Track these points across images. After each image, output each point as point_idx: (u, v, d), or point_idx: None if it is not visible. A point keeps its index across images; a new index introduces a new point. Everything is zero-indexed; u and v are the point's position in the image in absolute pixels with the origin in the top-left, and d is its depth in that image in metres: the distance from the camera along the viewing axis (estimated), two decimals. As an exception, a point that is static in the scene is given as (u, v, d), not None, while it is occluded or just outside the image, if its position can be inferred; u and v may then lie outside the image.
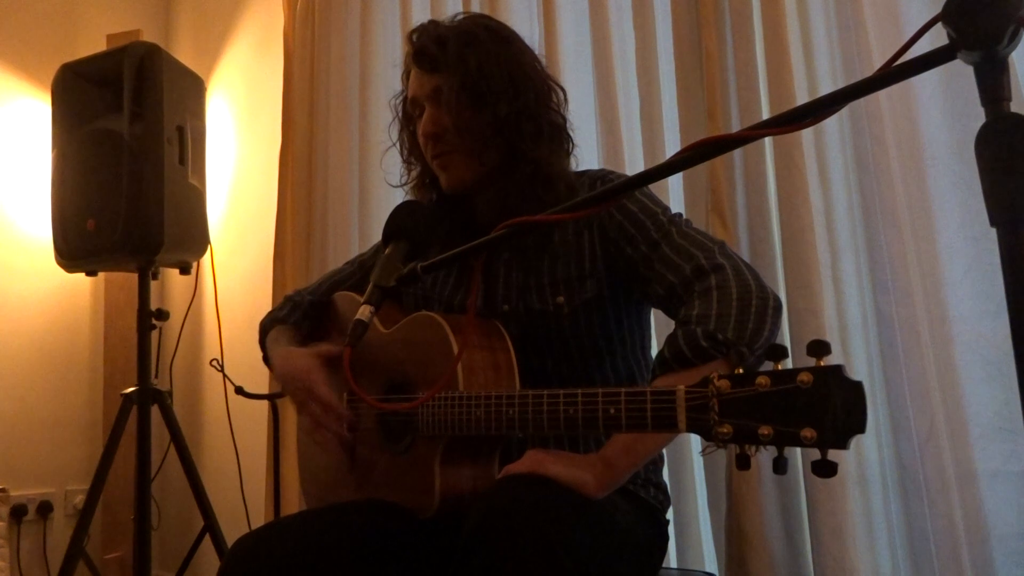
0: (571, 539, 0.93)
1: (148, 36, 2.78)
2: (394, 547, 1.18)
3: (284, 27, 2.68)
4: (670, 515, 1.36)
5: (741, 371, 0.82)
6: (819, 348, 0.76)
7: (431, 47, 1.25)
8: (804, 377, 0.76)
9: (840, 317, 1.57)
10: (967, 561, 1.38)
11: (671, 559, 1.70)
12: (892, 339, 1.50)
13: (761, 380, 0.79)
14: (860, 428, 0.75)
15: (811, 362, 0.78)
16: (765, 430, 0.78)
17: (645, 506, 1.26)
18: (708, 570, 1.68)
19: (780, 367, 0.80)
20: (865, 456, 1.53)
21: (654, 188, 1.34)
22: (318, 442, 1.29)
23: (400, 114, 1.39)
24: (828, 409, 0.75)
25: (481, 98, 1.22)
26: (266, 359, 1.56)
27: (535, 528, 0.92)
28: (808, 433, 0.75)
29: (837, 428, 0.74)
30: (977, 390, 1.43)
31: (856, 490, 1.51)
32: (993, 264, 1.41)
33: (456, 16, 1.32)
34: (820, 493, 1.49)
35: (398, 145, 1.40)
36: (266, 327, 1.52)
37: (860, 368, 1.55)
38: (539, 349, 1.26)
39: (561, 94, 1.33)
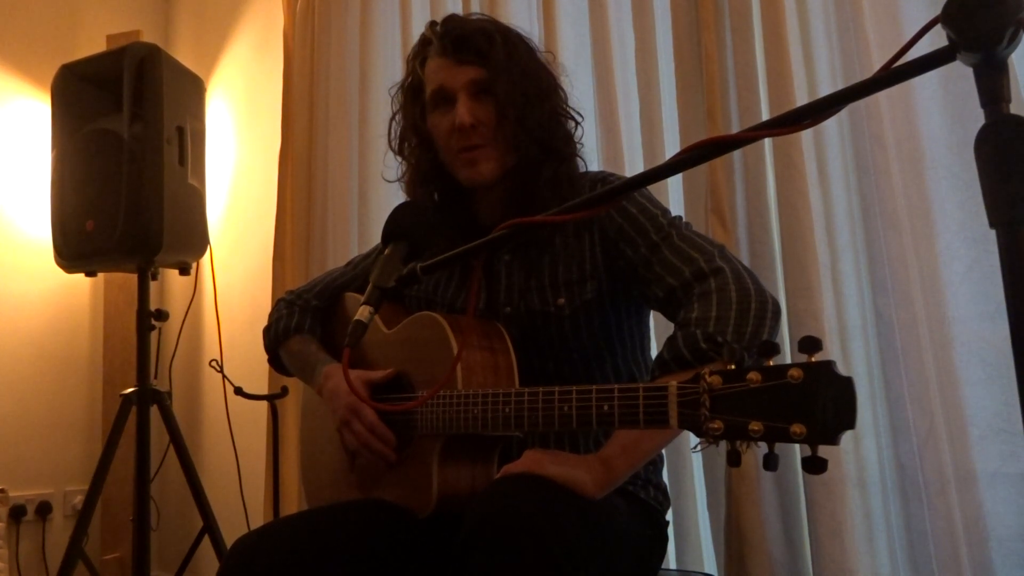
0: (568, 539, 0.93)
1: (148, 37, 2.78)
2: (393, 547, 1.18)
3: (284, 28, 2.68)
4: (669, 516, 1.37)
5: (733, 367, 0.82)
6: (810, 344, 0.76)
7: (477, 38, 1.24)
8: (794, 373, 0.76)
9: (839, 318, 1.57)
10: (966, 562, 1.38)
11: (671, 560, 1.70)
12: (891, 340, 1.50)
13: (752, 376, 0.79)
14: (850, 424, 0.74)
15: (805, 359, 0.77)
16: (755, 426, 0.77)
17: (645, 507, 1.26)
18: (707, 571, 1.68)
19: (772, 363, 0.80)
20: (864, 457, 1.53)
21: (653, 189, 1.34)
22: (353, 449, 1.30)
23: (402, 105, 1.37)
24: (817, 405, 0.75)
25: (529, 95, 1.24)
26: (280, 367, 1.56)
27: (532, 528, 0.93)
28: (798, 429, 0.75)
29: (827, 424, 0.74)
30: (976, 391, 1.43)
31: (855, 491, 1.51)
32: (992, 265, 1.41)
33: (472, 15, 1.33)
34: (819, 494, 1.49)
35: (398, 139, 1.38)
36: (280, 337, 1.51)
37: (859, 369, 1.55)
38: (540, 350, 1.26)
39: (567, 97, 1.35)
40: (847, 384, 0.75)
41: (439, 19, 1.31)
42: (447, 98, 1.26)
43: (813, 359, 0.76)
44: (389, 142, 1.39)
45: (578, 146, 1.33)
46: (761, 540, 1.55)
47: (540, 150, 1.25)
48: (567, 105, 1.33)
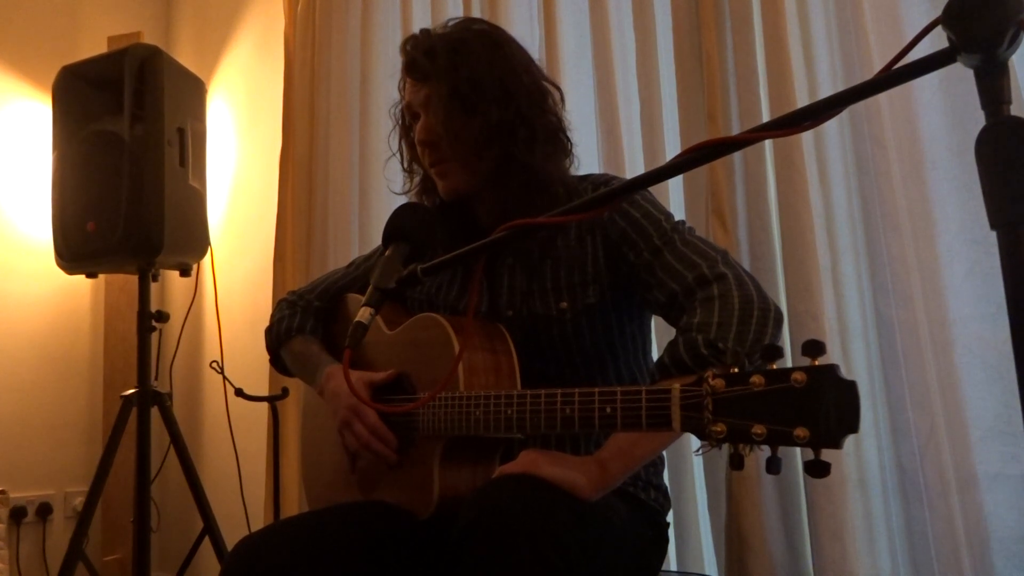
0: (561, 538, 0.93)
1: (149, 38, 2.78)
2: (394, 548, 1.18)
3: (285, 29, 2.68)
4: (670, 517, 1.36)
5: (736, 370, 0.82)
6: (814, 348, 0.76)
7: (420, 58, 1.25)
8: (798, 376, 0.76)
9: (840, 320, 1.57)
10: (967, 564, 1.38)
11: (671, 561, 1.69)
12: (892, 342, 1.50)
13: (755, 379, 0.79)
14: (853, 427, 0.74)
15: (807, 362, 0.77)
16: (758, 429, 0.77)
17: (645, 508, 1.26)
18: (708, 573, 1.68)
19: (775, 367, 0.79)
20: (865, 459, 1.53)
21: (654, 191, 1.34)
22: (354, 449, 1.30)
23: (399, 123, 1.39)
24: (821, 408, 0.74)
25: (471, 106, 1.22)
26: (282, 367, 1.57)
27: (525, 527, 0.93)
28: (801, 432, 0.75)
29: (830, 427, 0.74)
30: (977, 393, 1.43)
31: (856, 493, 1.51)
32: (993, 267, 1.41)
33: (449, 22, 1.31)
34: (820, 496, 1.49)
35: (399, 154, 1.40)
36: (282, 337, 1.52)
37: (860, 371, 1.54)
38: (542, 354, 1.26)
39: (557, 95, 1.32)
40: (851, 388, 0.75)
41: (435, 23, 1.32)
42: (415, 116, 1.30)
43: (816, 362, 0.76)
44: (400, 159, 1.41)
45: (565, 144, 1.30)
46: (762, 542, 1.55)
47: (498, 159, 1.24)
48: (543, 105, 1.27)
